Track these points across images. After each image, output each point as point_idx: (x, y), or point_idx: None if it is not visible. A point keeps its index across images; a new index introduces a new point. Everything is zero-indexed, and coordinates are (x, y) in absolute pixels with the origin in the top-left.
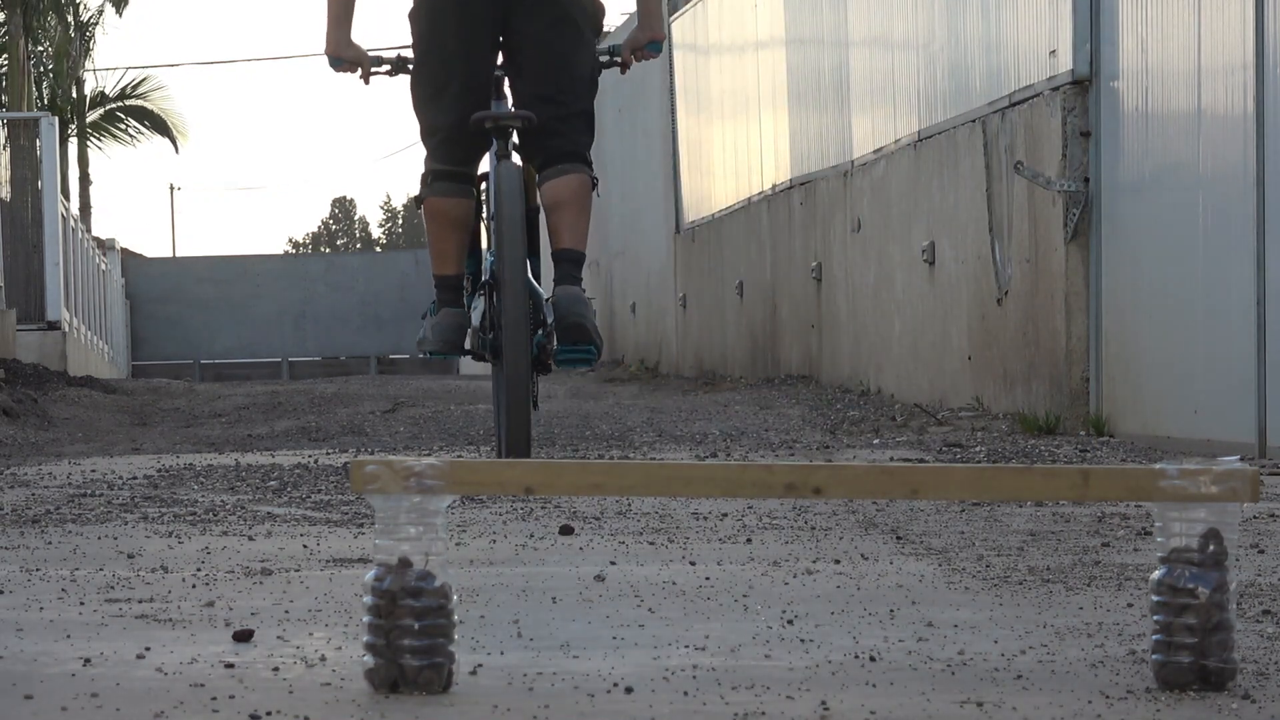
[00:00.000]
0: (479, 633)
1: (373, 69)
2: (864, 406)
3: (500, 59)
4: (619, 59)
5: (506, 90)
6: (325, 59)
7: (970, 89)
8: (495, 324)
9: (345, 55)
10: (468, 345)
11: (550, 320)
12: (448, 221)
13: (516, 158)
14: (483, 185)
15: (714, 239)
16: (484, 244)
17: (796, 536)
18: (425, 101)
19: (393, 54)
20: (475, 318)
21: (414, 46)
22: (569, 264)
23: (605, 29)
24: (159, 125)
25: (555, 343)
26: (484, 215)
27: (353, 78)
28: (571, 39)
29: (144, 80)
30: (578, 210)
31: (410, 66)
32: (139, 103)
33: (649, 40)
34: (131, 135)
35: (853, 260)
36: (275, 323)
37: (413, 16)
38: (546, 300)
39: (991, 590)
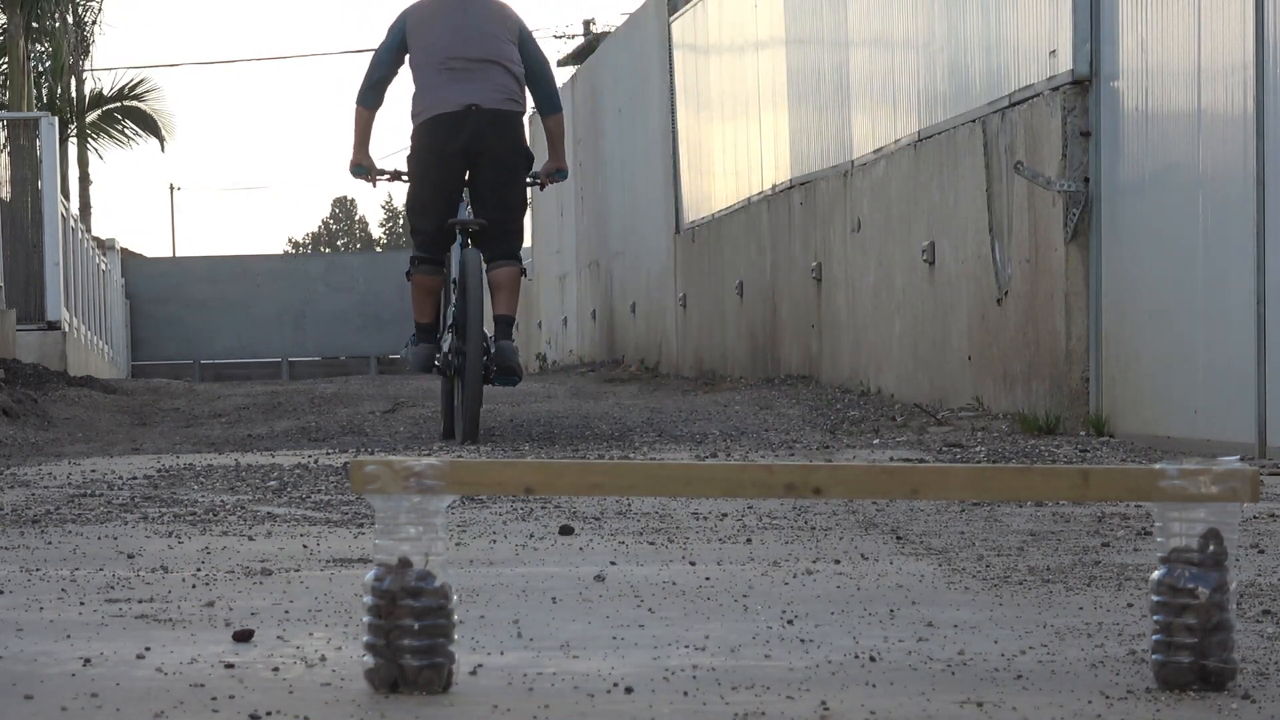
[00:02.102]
0: (479, 633)
1: (379, 177)
2: (864, 406)
3: (465, 185)
4: (538, 181)
5: (466, 199)
6: (348, 168)
7: (970, 89)
8: (460, 352)
9: (364, 164)
10: (437, 364)
11: (492, 355)
12: (426, 290)
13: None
14: (449, 260)
15: (714, 239)
16: (449, 299)
17: (796, 536)
18: (414, 213)
19: (392, 169)
20: (445, 345)
21: (409, 176)
22: (504, 324)
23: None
24: (149, 125)
25: (495, 372)
26: (450, 282)
27: (366, 184)
28: (511, 183)
29: (140, 81)
30: (510, 290)
31: (405, 179)
32: (133, 103)
33: (556, 170)
34: (128, 136)
35: (853, 260)
36: (275, 323)
37: (409, 160)
38: (488, 340)
39: (991, 590)
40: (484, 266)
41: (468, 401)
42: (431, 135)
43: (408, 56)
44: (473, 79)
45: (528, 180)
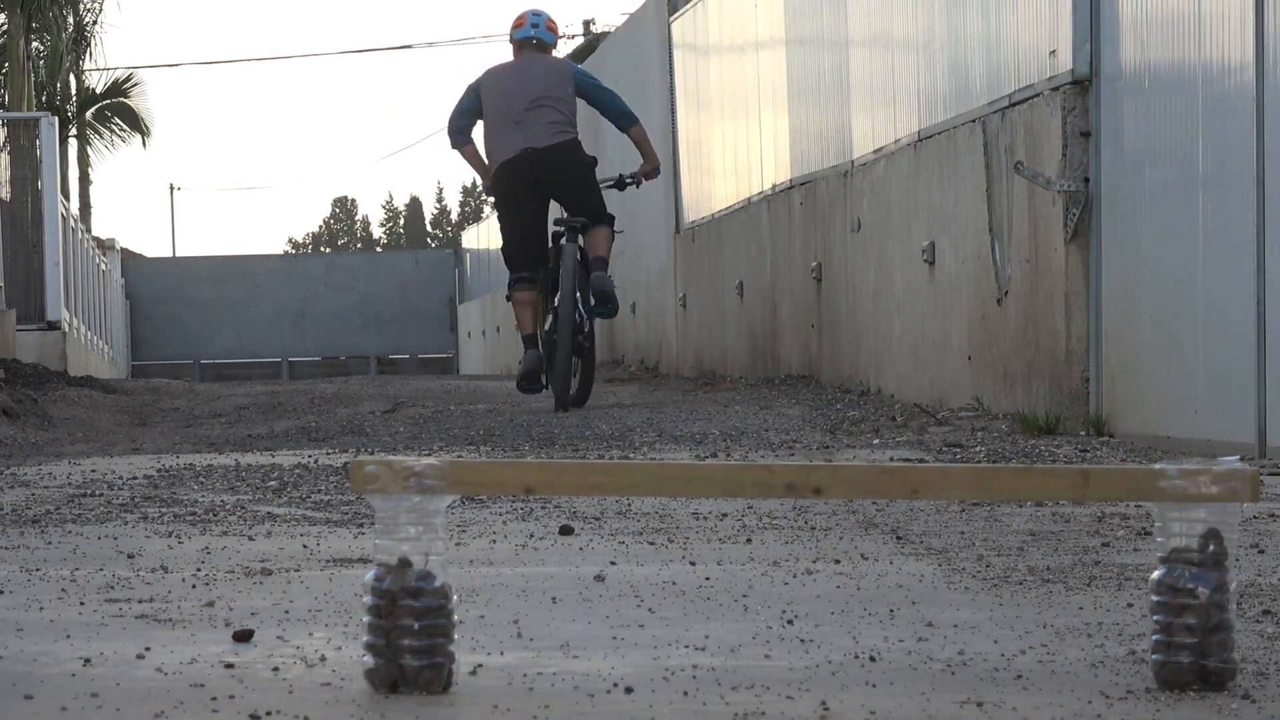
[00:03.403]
0: (479, 633)
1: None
2: (864, 406)
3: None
4: (633, 181)
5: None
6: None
7: (970, 89)
8: (556, 330)
9: (489, 187)
10: (543, 381)
11: (589, 287)
12: (525, 305)
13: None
14: (541, 277)
15: (714, 239)
16: (549, 305)
17: (796, 536)
18: (504, 236)
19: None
20: (546, 325)
21: (496, 205)
22: (600, 263)
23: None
24: (134, 121)
25: (592, 300)
26: (545, 292)
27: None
28: (584, 190)
29: (130, 77)
30: (604, 238)
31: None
32: (122, 100)
33: (651, 169)
34: (121, 135)
35: (853, 260)
36: (275, 323)
37: (492, 191)
38: (584, 332)
39: (991, 590)
40: (578, 254)
41: (560, 363)
42: (501, 180)
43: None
44: (525, 126)
45: (628, 179)
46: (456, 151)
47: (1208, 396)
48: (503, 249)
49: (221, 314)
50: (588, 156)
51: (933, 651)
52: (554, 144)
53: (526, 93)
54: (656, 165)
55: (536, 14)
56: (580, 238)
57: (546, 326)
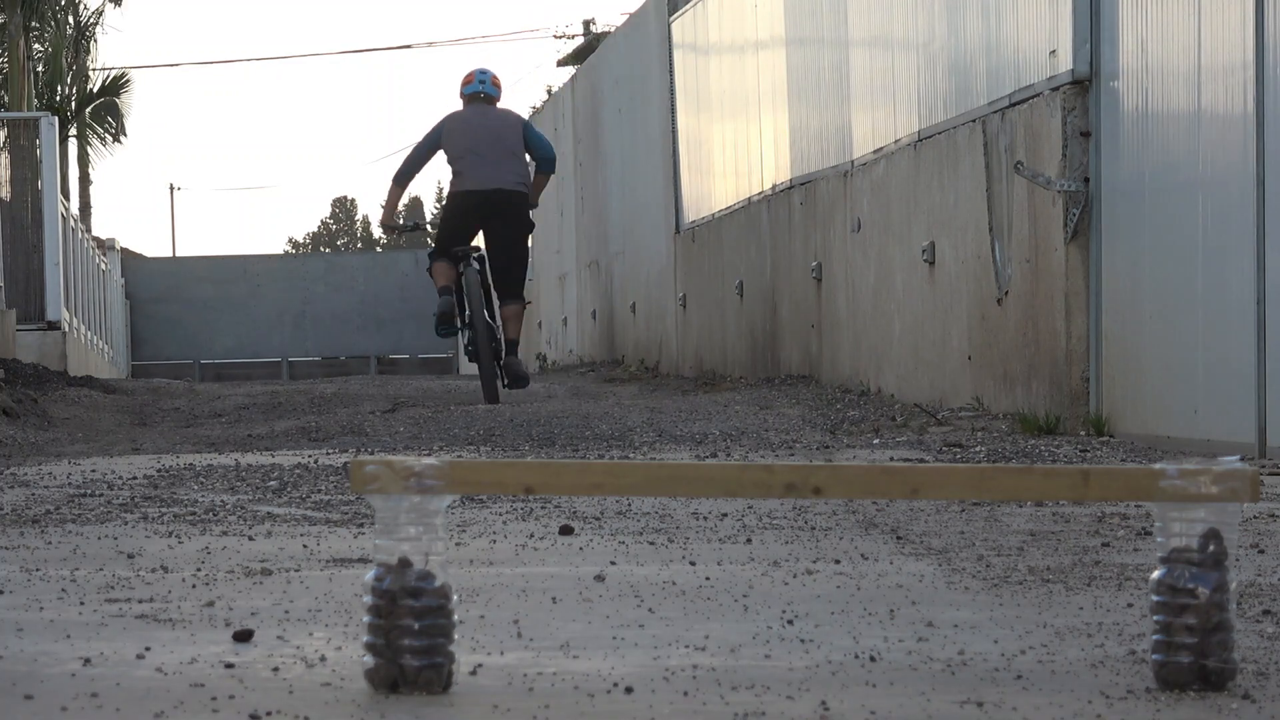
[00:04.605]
0: (479, 633)
1: (402, 229)
2: (864, 406)
3: (478, 235)
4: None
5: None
6: (379, 224)
7: (970, 89)
8: (473, 340)
9: (387, 224)
10: (466, 351)
11: (503, 367)
12: (442, 270)
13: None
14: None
15: (714, 239)
16: (461, 307)
17: (796, 536)
18: (440, 238)
19: (411, 223)
20: (464, 339)
21: (441, 218)
22: (513, 346)
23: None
24: (118, 118)
25: (508, 382)
26: (458, 273)
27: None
28: (520, 242)
29: (123, 74)
30: (516, 320)
31: (426, 227)
32: (112, 99)
33: (529, 207)
34: (114, 134)
35: (853, 260)
36: (275, 323)
37: (444, 208)
38: (497, 342)
39: (991, 590)
40: (481, 285)
41: (483, 368)
42: (463, 200)
43: (441, 151)
44: (498, 167)
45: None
46: (391, 183)
47: (1208, 396)
48: (439, 241)
49: (221, 314)
50: (530, 218)
51: (933, 651)
52: (517, 191)
53: (493, 138)
54: (534, 206)
55: (483, 72)
56: (479, 266)
57: (465, 340)
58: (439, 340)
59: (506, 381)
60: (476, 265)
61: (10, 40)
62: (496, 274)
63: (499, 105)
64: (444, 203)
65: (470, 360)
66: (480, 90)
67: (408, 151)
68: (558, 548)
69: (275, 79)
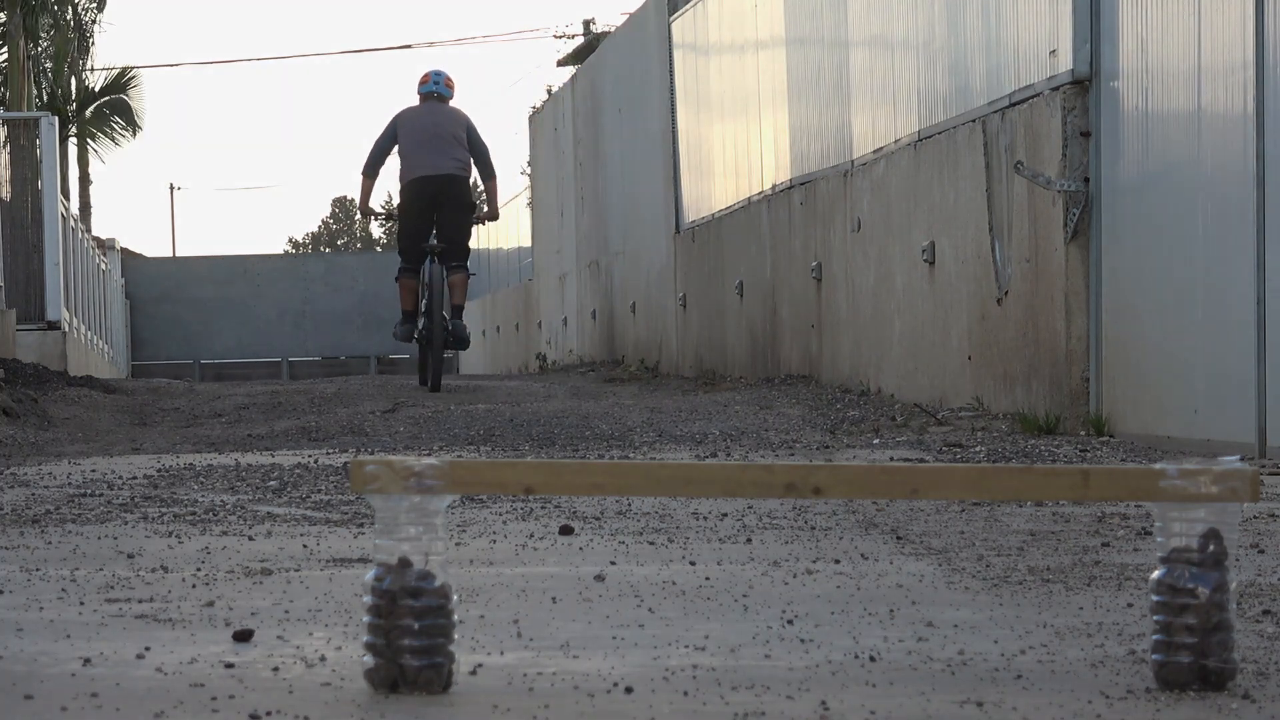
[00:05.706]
0: (479, 633)
1: (378, 216)
2: (864, 406)
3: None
4: (480, 221)
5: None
6: (359, 211)
7: (970, 89)
8: (428, 329)
9: (366, 211)
10: (417, 337)
11: (450, 330)
12: (408, 289)
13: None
14: (423, 271)
15: (714, 239)
16: (421, 299)
17: (796, 536)
18: (401, 240)
19: (386, 210)
20: (420, 325)
21: (398, 217)
22: (458, 310)
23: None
24: (129, 119)
25: (452, 340)
26: (423, 284)
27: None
28: (464, 220)
29: (125, 71)
30: (462, 287)
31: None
32: (121, 97)
33: (490, 216)
34: (123, 133)
35: (853, 260)
36: (275, 323)
37: (399, 207)
38: (447, 321)
39: (991, 590)
40: (445, 274)
41: (434, 361)
42: (413, 190)
43: (396, 145)
44: (441, 154)
45: (473, 220)
46: (362, 176)
47: (1208, 396)
48: (400, 243)
49: (221, 314)
50: (471, 198)
51: (933, 651)
52: (456, 175)
53: (439, 130)
54: (495, 216)
55: (438, 74)
56: (440, 263)
57: (420, 325)
58: None
59: (452, 340)
60: (437, 260)
61: (10, 40)
62: (445, 248)
63: (450, 104)
64: (400, 195)
65: (421, 346)
66: (434, 90)
67: (370, 147)
68: (558, 548)
69: (275, 79)
